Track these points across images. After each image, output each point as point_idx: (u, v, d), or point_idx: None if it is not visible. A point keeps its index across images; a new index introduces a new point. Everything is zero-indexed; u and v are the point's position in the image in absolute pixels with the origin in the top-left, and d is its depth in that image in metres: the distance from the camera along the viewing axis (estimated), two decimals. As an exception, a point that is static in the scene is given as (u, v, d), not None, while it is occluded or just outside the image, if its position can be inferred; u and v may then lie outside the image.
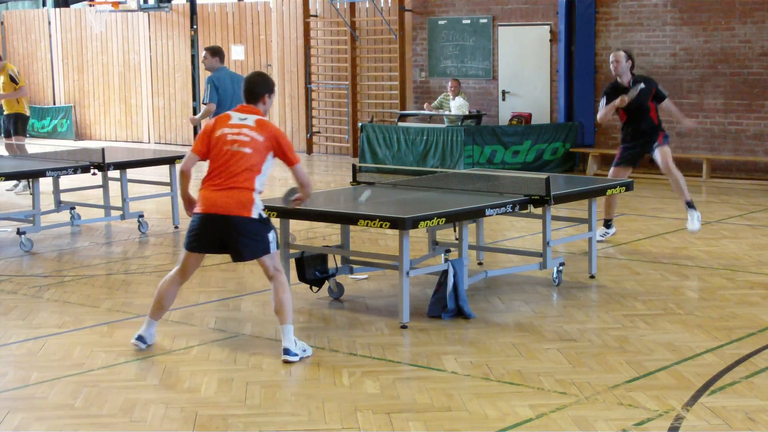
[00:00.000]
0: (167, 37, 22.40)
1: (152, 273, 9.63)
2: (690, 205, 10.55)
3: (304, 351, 6.94)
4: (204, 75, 21.85)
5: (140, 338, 7.14)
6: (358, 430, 5.61)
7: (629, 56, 10.62)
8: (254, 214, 6.81)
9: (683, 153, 15.71)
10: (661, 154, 10.51)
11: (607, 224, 10.92)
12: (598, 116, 10.81)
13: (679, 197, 10.73)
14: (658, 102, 10.64)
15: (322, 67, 20.26)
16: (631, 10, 16.63)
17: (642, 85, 10.47)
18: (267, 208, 8.06)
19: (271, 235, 6.91)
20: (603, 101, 10.67)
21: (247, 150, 6.81)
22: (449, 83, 17.10)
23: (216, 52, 12.03)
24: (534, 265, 8.87)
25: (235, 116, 6.95)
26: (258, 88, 6.98)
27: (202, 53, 12.33)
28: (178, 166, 12.13)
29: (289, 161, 6.94)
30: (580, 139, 16.96)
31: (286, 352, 6.83)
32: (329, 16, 19.97)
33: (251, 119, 6.91)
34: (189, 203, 7.07)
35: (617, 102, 10.46)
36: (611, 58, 10.67)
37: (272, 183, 16.01)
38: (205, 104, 11.73)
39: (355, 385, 6.34)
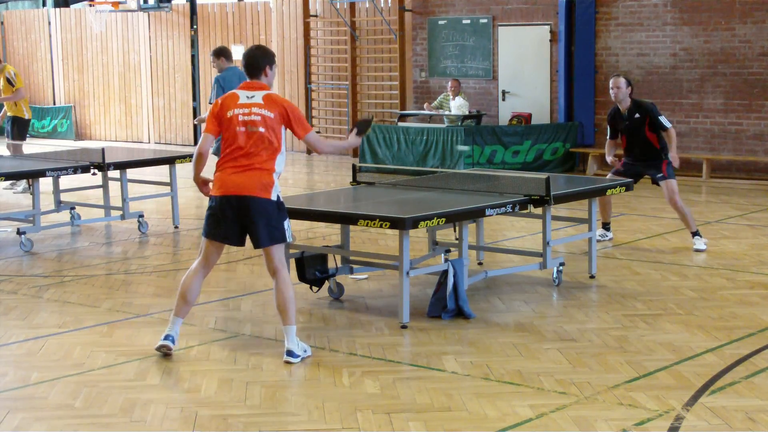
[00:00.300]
0: (167, 37, 22.40)
1: (152, 273, 9.63)
2: (696, 234, 10.39)
3: (305, 351, 6.93)
4: (205, 75, 21.86)
5: (168, 338, 6.96)
6: (358, 430, 5.61)
7: (629, 82, 10.47)
8: (273, 197, 6.75)
9: (683, 153, 15.68)
10: (668, 189, 10.33)
11: (606, 227, 10.89)
12: (606, 155, 10.72)
13: (686, 228, 10.54)
14: (655, 131, 10.35)
15: (322, 67, 20.26)
16: (631, 10, 16.63)
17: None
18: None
19: (287, 223, 6.85)
20: (608, 130, 10.73)
21: (261, 129, 6.74)
22: (449, 83, 17.10)
23: (219, 53, 11.99)
24: (534, 265, 8.86)
25: (242, 95, 6.87)
26: (259, 62, 6.89)
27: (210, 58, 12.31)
28: (178, 166, 12.21)
29: (298, 135, 6.85)
30: (580, 139, 16.96)
31: (290, 353, 6.80)
32: (329, 16, 19.97)
33: (259, 96, 6.83)
34: (203, 183, 7.05)
35: (609, 161, 10.64)
36: (611, 83, 10.47)
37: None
38: (211, 104, 11.69)
39: (355, 385, 6.34)
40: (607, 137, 10.81)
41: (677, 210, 10.41)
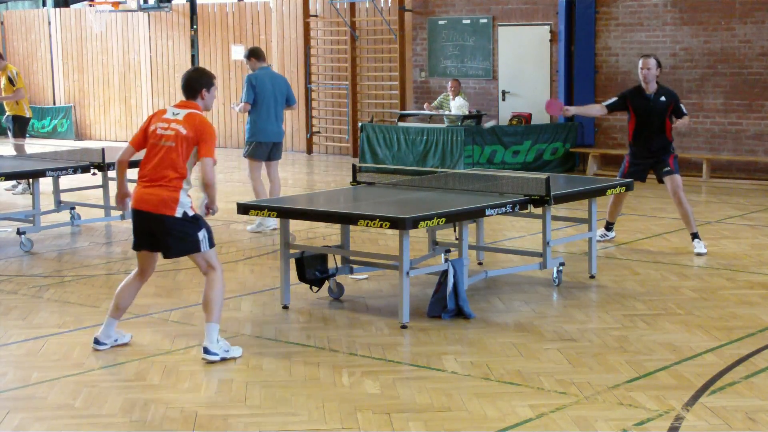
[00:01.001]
0: (167, 37, 22.40)
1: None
2: (695, 236, 10.26)
3: (227, 351, 6.85)
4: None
5: (96, 341, 7.14)
6: (358, 430, 5.61)
7: (659, 64, 10.25)
8: (178, 213, 6.76)
9: (683, 153, 15.69)
10: (672, 183, 10.22)
11: (609, 227, 10.86)
12: (575, 107, 10.54)
13: (686, 228, 10.42)
14: (677, 117, 10.25)
15: (322, 67, 20.26)
16: (631, 10, 16.63)
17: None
18: (268, 208, 8.09)
19: (201, 234, 6.83)
20: (613, 99, 10.53)
21: (171, 144, 6.79)
22: (449, 83, 17.11)
23: (249, 55, 11.80)
24: (534, 265, 8.86)
25: (171, 111, 6.94)
26: (194, 84, 6.94)
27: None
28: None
29: (201, 152, 6.78)
30: (580, 139, 16.96)
31: (206, 351, 6.80)
32: (329, 16, 19.97)
33: (182, 114, 6.88)
34: (121, 196, 7.17)
35: (566, 109, 10.48)
36: (641, 64, 10.21)
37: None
38: (242, 102, 11.63)
39: (355, 385, 6.34)
40: (603, 103, 10.62)
41: (680, 206, 10.24)
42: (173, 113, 6.92)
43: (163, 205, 6.76)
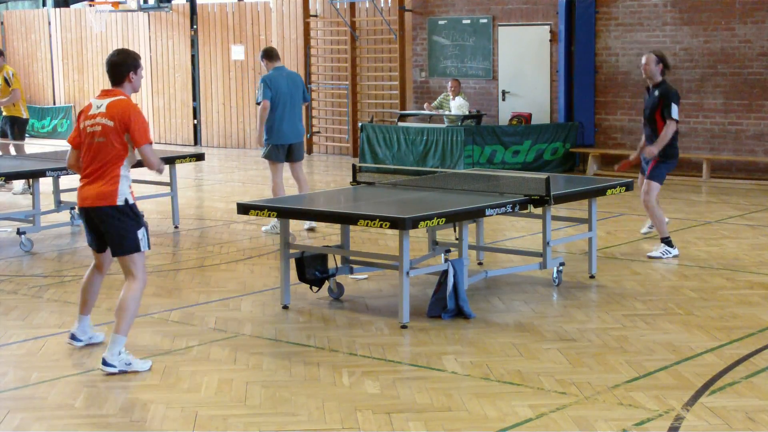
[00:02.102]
0: (167, 37, 22.40)
1: (152, 273, 9.62)
2: (665, 240, 10.05)
3: (128, 365, 6.61)
4: (204, 75, 21.87)
5: (73, 336, 7.14)
6: (358, 430, 5.61)
7: (660, 60, 10.05)
8: (120, 201, 6.67)
9: (683, 153, 15.67)
10: (646, 187, 10.03)
11: (669, 242, 10.14)
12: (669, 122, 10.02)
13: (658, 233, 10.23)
14: (664, 119, 9.94)
15: (322, 67, 20.26)
16: (631, 10, 16.63)
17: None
18: (268, 209, 8.08)
19: (141, 233, 6.74)
20: None
21: (102, 140, 6.70)
22: (449, 83, 17.10)
23: (262, 56, 11.65)
24: (534, 265, 8.87)
25: (95, 104, 6.80)
26: (122, 68, 6.77)
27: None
28: (178, 166, 12.20)
29: (134, 143, 6.70)
30: (580, 139, 16.96)
31: (104, 362, 6.59)
32: (329, 16, 19.97)
33: (104, 105, 6.72)
34: None
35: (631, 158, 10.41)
36: (642, 59, 10.18)
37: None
38: (258, 104, 11.40)
39: (355, 385, 6.34)
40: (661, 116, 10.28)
41: (646, 210, 10.14)
42: (97, 106, 6.76)
43: (104, 197, 6.67)
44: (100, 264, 7.05)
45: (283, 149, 11.48)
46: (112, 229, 6.71)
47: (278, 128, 11.40)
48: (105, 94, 6.82)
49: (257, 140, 11.60)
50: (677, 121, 9.95)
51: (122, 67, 6.78)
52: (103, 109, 6.73)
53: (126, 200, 6.71)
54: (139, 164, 7.15)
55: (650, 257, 9.97)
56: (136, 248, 6.73)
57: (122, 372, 6.59)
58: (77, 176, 6.93)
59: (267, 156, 11.56)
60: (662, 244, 10.07)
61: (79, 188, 6.83)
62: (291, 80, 11.54)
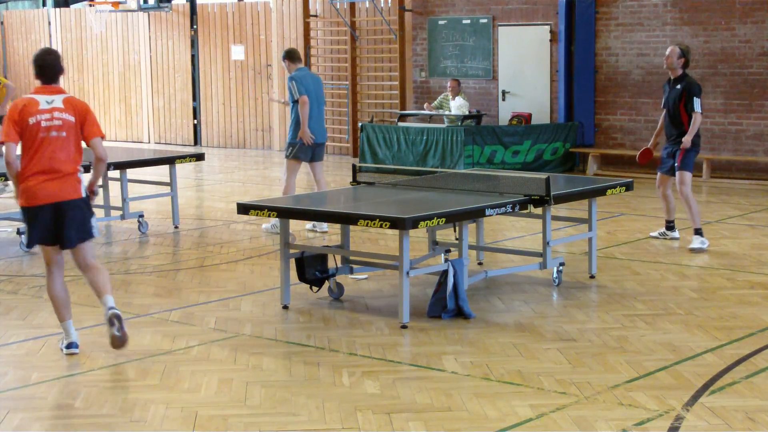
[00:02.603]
0: (167, 37, 22.40)
1: (152, 273, 9.62)
2: (697, 231, 10.42)
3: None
4: (204, 75, 21.86)
5: (72, 345, 7.05)
6: (358, 430, 5.60)
7: (683, 53, 10.38)
8: (83, 194, 6.92)
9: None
10: (678, 179, 10.41)
11: (669, 226, 10.90)
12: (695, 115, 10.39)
13: (691, 223, 10.53)
14: (688, 111, 10.33)
15: (322, 67, 20.26)
16: (631, 10, 16.62)
17: None
18: (268, 209, 8.08)
19: (94, 220, 7.00)
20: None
21: (64, 134, 6.82)
22: (448, 83, 17.10)
23: (285, 56, 11.48)
24: (534, 265, 8.86)
25: (42, 100, 6.84)
26: (57, 67, 6.94)
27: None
28: (178, 166, 12.20)
29: (86, 135, 6.90)
30: (580, 139, 16.96)
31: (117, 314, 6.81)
32: (329, 16, 19.97)
33: (58, 100, 6.85)
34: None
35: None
36: (666, 51, 10.53)
37: (271, 183, 16.02)
38: (294, 103, 11.26)
39: (355, 385, 6.34)
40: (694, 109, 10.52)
41: (683, 201, 10.42)
42: (47, 101, 6.83)
43: (70, 191, 6.83)
44: (56, 262, 7.02)
45: (311, 148, 11.41)
46: (76, 220, 6.86)
47: (309, 127, 11.31)
48: (52, 90, 6.92)
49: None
50: (701, 113, 10.34)
51: (58, 65, 6.98)
52: (59, 104, 6.83)
53: (84, 191, 6.96)
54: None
55: (692, 249, 10.28)
56: (91, 235, 7.00)
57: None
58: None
59: (294, 155, 11.41)
60: (698, 235, 10.38)
61: (35, 185, 6.77)
62: (315, 81, 11.52)
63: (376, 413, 5.83)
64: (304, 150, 11.38)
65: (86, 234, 6.95)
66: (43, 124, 6.79)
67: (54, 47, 23.99)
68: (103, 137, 7.00)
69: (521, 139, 16.44)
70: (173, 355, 7.02)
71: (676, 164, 10.41)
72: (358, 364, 6.78)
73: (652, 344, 7.13)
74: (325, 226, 11.41)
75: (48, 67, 6.93)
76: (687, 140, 10.29)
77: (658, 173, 10.76)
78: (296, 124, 11.35)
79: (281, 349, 7.16)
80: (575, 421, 5.68)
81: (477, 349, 7.11)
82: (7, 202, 13.95)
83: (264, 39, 20.90)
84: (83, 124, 6.90)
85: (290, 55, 11.53)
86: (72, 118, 6.85)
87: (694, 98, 10.26)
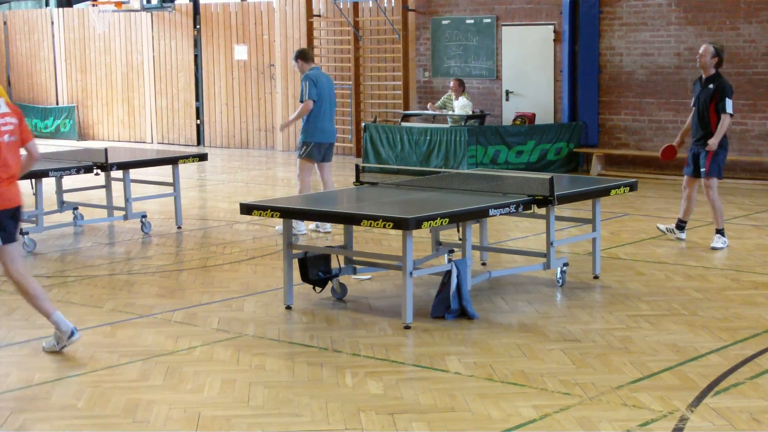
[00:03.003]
0: (170, 37, 22.40)
1: (155, 273, 9.62)
2: (719, 231, 10.44)
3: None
4: (207, 75, 21.87)
5: (74, 333, 7.08)
6: (362, 431, 5.59)
7: (717, 53, 10.26)
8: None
9: (685, 152, 15.64)
10: (704, 184, 10.36)
11: (679, 225, 10.84)
12: (724, 117, 10.31)
13: (714, 223, 10.56)
14: (718, 112, 10.23)
15: (325, 67, 20.24)
16: (635, 10, 16.60)
17: None
18: (270, 209, 8.07)
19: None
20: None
21: (15, 138, 6.92)
22: (451, 83, 17.08)
23: (297, 56, 11.44)
24: (538, 266, 8.85)
25: None
26: None
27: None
28: (181, 167, 12.18)
29: (28, 137, 7.03)
30: (584, 139, 16.93)
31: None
32: (332, 16, 19.96)
33: (1, 103, 6.91)
34: None
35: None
36: (700, 49, 10.37)
37: (274, 183, 16.02)
38: (302, 102, 11.26)
39: (358, 386, 6.32)
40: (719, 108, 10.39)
41: (710, 203, 10.40)
42: None
43: (20, 194, 6.98)
44: (12, 259, 7.06)
45: (323, 148, 11.39)
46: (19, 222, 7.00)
47: (322, 126, 11.30)
48: None
49: (285, 125, 11.79)
50: (731, 115, 10.23)
51: None
52: (4, 109, 6.90)
53: None
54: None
55: (714, 248, 10.31)
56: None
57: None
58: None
59: (308, 155, 11.36)
60: (718, 235, 10.40)
61: (8, 189, 6.86)
62: (328, 81, 11.50)
63: (379, 414, 5.82)
64: (318, 149, 11.36)
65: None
66: (1, 128, 6.87)
67: (56, 47, 24.08)
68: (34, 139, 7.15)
69: (525, 139, 16.43)
70: (176, 356, 7.01)
71: (703, 169, 10.30)
72: (362, 364, 6.77)
73: (656, 345, 7.12)
74: (328, 226, 11.39)
75: None
76: (713, 143, 10.16)
77: (685, 175, 10.66)
78: (307, 123, 11.33)
79: (284, 349, 7.15)
80: (579, 421, 5.67)
81: (480, 349, 7.09)
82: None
83: (267, 39, 20.90)
84: (21, 128, 6.96)
85: (303, 55, 11.50)
86: (17, 121, 6.92)
87: (726, 99, 10.14)
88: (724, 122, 10.16)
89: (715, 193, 10.32)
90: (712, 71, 10.28)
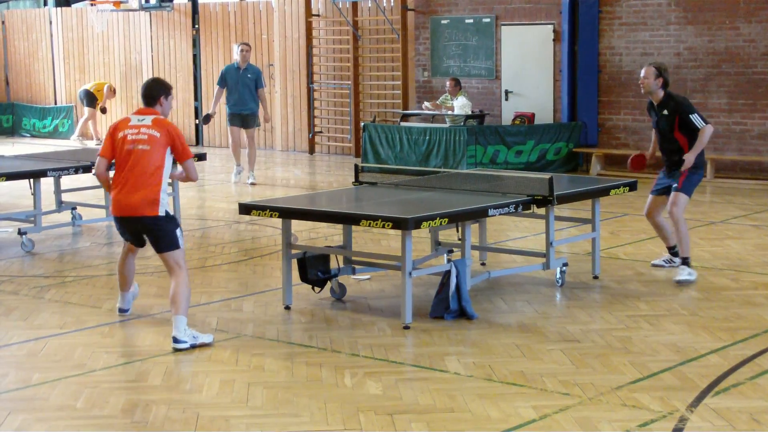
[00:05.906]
0: (169, 36, 22.39)
1: (153, 273, 9.60)
2: (685, 261, 9.06)
3: (195, 338, 7.16)
4: (206, 75, 21.84)
5: (121, 310, 8.03)
6: (361, 431, 5.59)
7: (659, 72, 9.05)
8: (161, 212, 7.25)
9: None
10: (672, 199, 9.02)
11: (674, 251, 9.44)
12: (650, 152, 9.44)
13: (681, 251, 9.15)
14: (688, 131, 9.01)
15: (324, 67, 20.24)
16: (634, 10, 16.59)
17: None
18: (269, 209, 8.06)
19: (179, 231, 7.38)
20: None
21: (147, 147, 7.26)
22: (447, 83, 17.05)
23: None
24: (537, 266, 8.83)
25: (135, 118, 7.41)
26: (153, 92, 7.47)
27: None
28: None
29: (179, 158, 7.40)
30: (584, 139, 16.92)
31: (175, 340, 7.10)
32: (331, 16, 19.94)
33: (148, 119, 7.35)
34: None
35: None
36: (641, 72, 9.22)
37: (273, 183, 16.00)
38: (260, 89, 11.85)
39: (357, 386, 6.31)
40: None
41: (674, 223, 9.04)
42: (138, 119, 7.37)
43: (146, 206, 7.21)
44: (133, 250, 7.81)
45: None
46: (153, 233, 7.31)
47: None
48: (145, 111, 7.44)
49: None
50: (709, 124, 9.07)
51: (156, 91, 7.47)
52: (147, 122, 7.34)
53: (167, 212, 7.32)
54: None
55: (679, 282, 8.94)
56: (176, 246, 7.34)
57: (192, 346, 7.07)
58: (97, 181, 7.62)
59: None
60: (684, 266, 9.05)
61: (118, 196, 7.28)
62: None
63: (378, 414, 5.81)
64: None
65: (167, 245, 7.39)
66: (130, 137, 7.28)
67: (55, 46, 24.06)
68: (193, 158, 7.60)
69: (524, 139, 16.42)
70: (175, 356, 7.00)
71: (675, 185, 9.02)
72: (361, 364, 6.76)
73: (655, 345, 7.11)
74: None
75: (145, 93, 7.48)
76: (690, 158, 8.90)
77: (650, 196, 9.42)
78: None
79: (283, 349, 7.13)
80: (578, 422, 5.65)
81: (480, 349, 7.08)
82: (6, 202, 13.94)
83: (266, 38, 20.88)
84: (174, 144, 7.35)
85: None
86: (157, 134, 7.27)
87: (691, 116, 8.93)
88: (705, 134, 8.94)
89: (681, 212, 8.97)
90: (661, 93, 9.09)
